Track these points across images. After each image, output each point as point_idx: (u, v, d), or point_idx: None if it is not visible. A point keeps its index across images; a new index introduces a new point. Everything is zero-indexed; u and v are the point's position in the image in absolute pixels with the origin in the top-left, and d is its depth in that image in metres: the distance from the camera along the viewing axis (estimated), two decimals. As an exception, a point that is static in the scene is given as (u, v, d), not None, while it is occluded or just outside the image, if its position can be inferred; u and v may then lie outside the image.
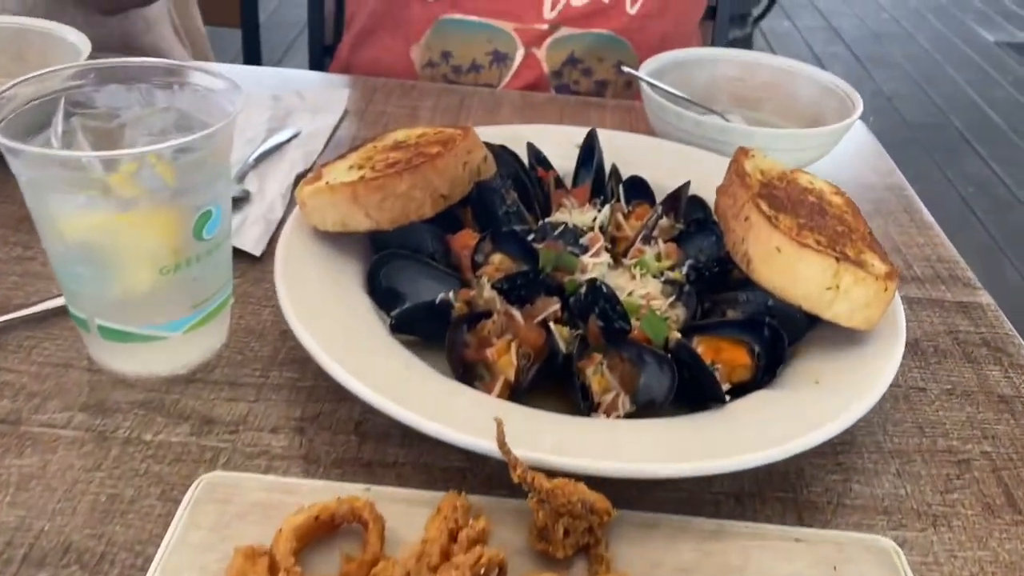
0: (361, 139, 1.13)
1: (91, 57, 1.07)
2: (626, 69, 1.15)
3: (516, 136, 0.98)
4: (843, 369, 0.69)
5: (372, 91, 1.27)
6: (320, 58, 1.78)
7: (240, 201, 0.95)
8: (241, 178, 0.99)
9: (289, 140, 1.10)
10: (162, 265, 0.66)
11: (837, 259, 0.69)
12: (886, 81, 5.07)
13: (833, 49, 5.49)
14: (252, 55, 2.08)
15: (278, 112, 1.16)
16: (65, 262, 0.67)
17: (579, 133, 0.98)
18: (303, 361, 0.74)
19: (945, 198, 3.87)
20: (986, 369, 0.83)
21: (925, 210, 1.08)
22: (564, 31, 1.40)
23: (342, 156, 0.83)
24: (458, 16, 1.36)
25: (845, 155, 1.21)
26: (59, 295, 0.77)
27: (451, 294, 0.72)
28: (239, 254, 0.87)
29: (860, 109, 1.08)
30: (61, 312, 0.77)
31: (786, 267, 0.69)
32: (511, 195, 0.81)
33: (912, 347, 0.84)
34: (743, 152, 0.84)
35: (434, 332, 0.71)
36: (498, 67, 1.40)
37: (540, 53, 1.39)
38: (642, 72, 1.14)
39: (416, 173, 0.75)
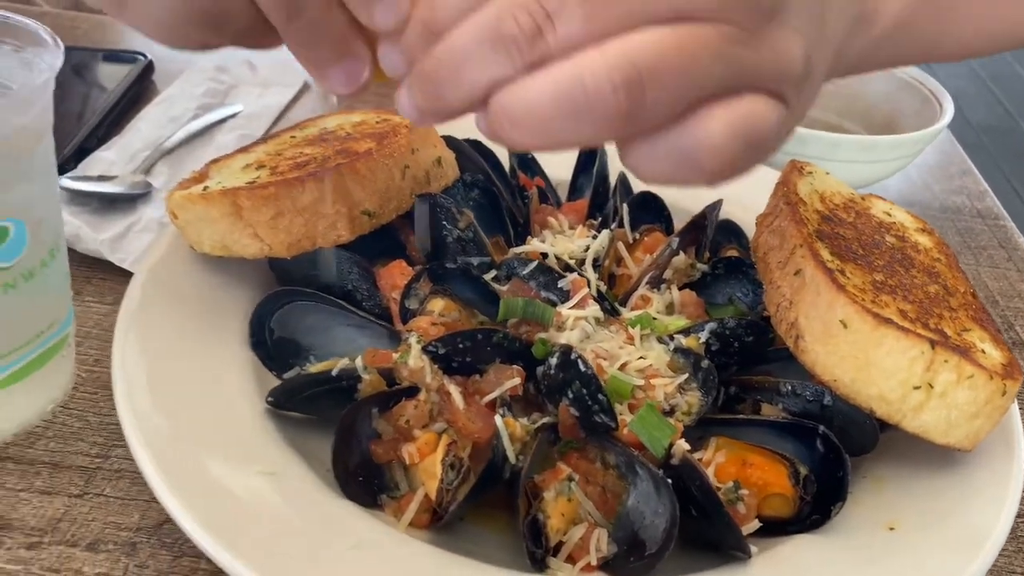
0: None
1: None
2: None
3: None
4: (930, 509, 0.46)
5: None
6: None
7: (136, 199, 0.73)
8: (148, 168, 0.78)
9: (224, 120, 0.88)
10: (-74, 305, 0.45)
11: (932, 343, 0.46)
12: (948, 78, 4.71)
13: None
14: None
15: (219, 85, 0.94)
16: None
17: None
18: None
19: (1014, 215, 3.54)
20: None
21: (1028, 246, 0.84)
22: None
23: (244, 149, 0.62)
24: None
25: (922, 168, 0.96)
26: None
27: (357, 361, 0.50)
28: (116, 272, 0.66)
29: (950, 112, 0.84)
30: None
31: (855, 351, 0.46)
32: (466, 215, 0.58)
33: None
34: (796, 167, 0.61)
35: (328, 412, 0.50)
36: None
37: None
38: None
39: (326, 180, 0.53)
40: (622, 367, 0.52)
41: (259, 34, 0.37)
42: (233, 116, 0.89)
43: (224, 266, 0.57)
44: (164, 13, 0.36)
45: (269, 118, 0.90)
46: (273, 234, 0.53)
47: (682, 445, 0.46)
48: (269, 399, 0.49)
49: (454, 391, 0.50)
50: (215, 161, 0.60)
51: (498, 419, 0.47)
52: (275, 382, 0.53)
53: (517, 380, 0.51)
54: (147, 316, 0.52)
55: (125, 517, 0.50)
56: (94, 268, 0.67)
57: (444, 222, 0.58)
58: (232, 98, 0.93)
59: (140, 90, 0.93)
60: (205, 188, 0.55)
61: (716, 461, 0.49)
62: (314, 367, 0.54)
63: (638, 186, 0.72)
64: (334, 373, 0.49)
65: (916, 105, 0.89)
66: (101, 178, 0.75)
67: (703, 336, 0.53)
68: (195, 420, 0.47)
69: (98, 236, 0.67)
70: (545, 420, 0.51)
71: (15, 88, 0.47)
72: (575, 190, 0.74)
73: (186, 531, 0.40)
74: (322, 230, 0.54)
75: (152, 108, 0.89)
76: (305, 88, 0.98)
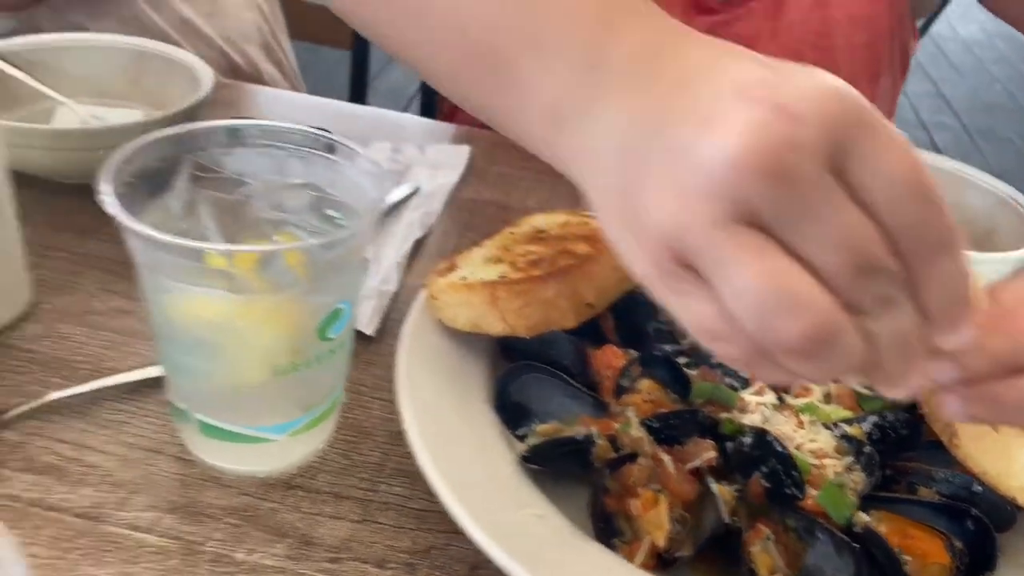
0: (482, 202, 1.06)
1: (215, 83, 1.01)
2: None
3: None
4: (1062, 582, 0.57)
5: (493, 147, 1.19)
6: (430, 102, 1.72)
7: (354, 268, 0.87)
8: (356, 240, 0.92)
9: (408, 198, 1.02)
10: (277, 364, 0.58)
11: (1067, 448, 0.57)
12: (995, 156, 4.80)
13: (941, 118, 5.24)
14: (358, 85, 2.01)
15: (397, 165, 1.08)
16: (170, 349, 0.59)
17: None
18: (412, 475, 0.65)
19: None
20: None
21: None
22: None
23: (477, 244, 0.75)
24: None
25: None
26: (159, 363, 0.70)
27: (593, 430, 0.62)
28: (350, 333, 0.79)
29: (1046, 232, 0.95)
30: (157, 383, 0.70)
31: (1002, 450, 0.58)
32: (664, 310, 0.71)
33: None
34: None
35: (566, 468, 0.62)
36: None
37: None
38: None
39: (564, 279, 0.66)
40: (797, 447, 0.64)
41: None
42: (414, 193, 1.03)
43: (463, 338, 0.70)
44: None
45: (443, 197, 1.04)
46: (518, 319, 0.66)
47: (863, 516, 0.58)
48: (525, 455, 0.61)
49: (666, 459, 0.62)
50: (457, 253, 0.73)
51: (712, 485, 0.59)
52: (509, 438, 0.66)
53: (713, 453, 0.63)
54: (414, 381, 0.65)
55: (399, 542, 0.62)
56: (331, 328, 0.80)
57: (646, 314, 0.71)
58: (408, 177, 1.07)
59: (329, 165, 1.08)
60: (463, 278, 0.68)
61: (880, 531, 0.60)
62: (539, 428, 0.67)
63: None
64: (579, 438, 0.62)
65: (1013, 221, 1.00)
66: (321, 248, 0.89)
67: (866, 427, 0.65)
68: (473, 470, 0.59)
69: (336, 301, 0.81)
70: (736, 490, 0.62)
71: (357, 205, 0.60)
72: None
73: (495, 560, 0.52)
74: (556, 318, 0.67)
75: (345, 183, 1.03)
76: (468, 170, 1.12)
